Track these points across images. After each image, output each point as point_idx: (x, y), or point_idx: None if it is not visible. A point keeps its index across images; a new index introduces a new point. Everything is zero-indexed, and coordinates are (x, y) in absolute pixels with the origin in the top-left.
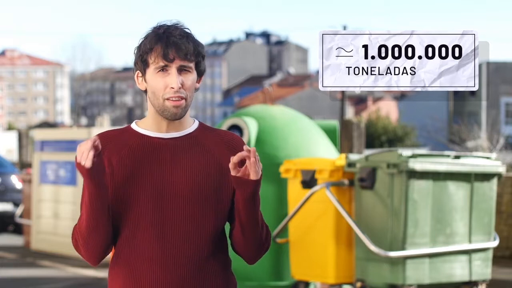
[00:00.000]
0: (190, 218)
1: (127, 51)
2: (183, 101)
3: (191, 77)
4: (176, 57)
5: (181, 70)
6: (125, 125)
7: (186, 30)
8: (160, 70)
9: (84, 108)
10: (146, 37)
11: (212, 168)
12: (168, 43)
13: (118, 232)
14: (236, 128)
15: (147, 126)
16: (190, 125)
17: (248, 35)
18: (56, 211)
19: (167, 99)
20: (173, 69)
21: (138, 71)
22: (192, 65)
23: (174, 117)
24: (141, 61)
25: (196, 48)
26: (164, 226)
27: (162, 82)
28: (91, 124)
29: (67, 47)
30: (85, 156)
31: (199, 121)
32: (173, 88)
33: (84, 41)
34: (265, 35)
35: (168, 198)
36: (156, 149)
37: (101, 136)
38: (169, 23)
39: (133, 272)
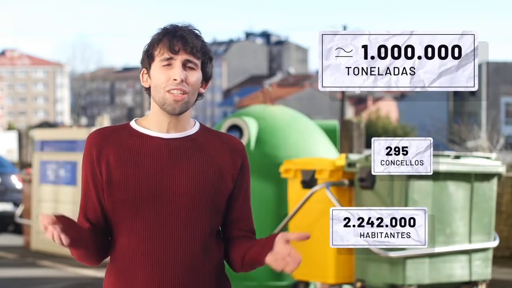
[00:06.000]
0: (186, 223)
1: (127, 51)
2: (185, 96)
3: (196, 74)
4: (182, 49)
5: (185, 65)
6: (124, 123)
7: (196, 30)
8: (165, 64)
9: (84, 108)
10: (154, 34)
11: (211, 172)
12: (175, 35)
13: (115, 234)
14: (236, 128)
15: (147, 125)
16: (191, 127)
17: (248, 35)
18: (56, 211)
19: (169, 91)
20: (177, 62)
21: (143, 68)
22: (197, 62)
23: (173, 111)
24: (147, 56)
25: (204, 46)
26: (159, 230)
27: (165, 74)
28: (91, 124)
29: (67, 47)
30: (57, 238)
31: (200, 123)
32: (175, 80)
33: (84, 41)
34: (265, 35)
35: (164, 201)
36: (155, 150)
37: (99, 132)
38: (179, 24)
39: (127, 275)
